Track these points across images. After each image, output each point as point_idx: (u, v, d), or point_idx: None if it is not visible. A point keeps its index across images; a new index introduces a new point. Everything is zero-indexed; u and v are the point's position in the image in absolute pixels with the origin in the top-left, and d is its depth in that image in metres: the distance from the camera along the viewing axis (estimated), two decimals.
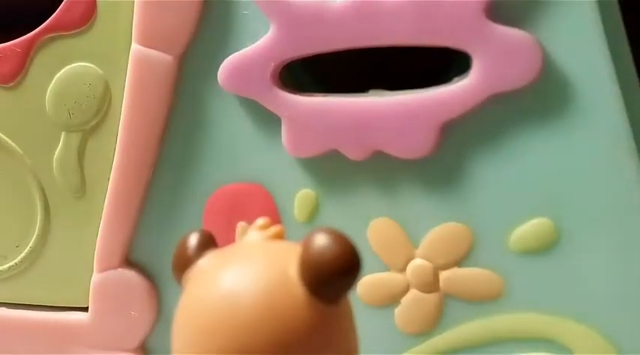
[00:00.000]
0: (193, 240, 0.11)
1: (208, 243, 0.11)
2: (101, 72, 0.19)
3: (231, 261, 0.11)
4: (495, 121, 0.15)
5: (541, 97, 0.15)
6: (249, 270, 0.10)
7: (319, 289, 0.10)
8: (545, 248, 0.16)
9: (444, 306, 0.17)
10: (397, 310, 0.17)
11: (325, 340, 0.10)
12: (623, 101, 0.15)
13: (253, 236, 0.12)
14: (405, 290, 0.17)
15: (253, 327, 0.10)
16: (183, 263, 0.11)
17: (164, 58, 0.18)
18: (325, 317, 0.10)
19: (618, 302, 0.15)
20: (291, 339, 0.10)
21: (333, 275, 0.10)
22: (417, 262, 0.17)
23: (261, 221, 0.12)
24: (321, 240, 0.10)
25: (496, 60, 0.15)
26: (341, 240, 0.10)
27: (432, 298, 0.17)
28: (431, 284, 0.16)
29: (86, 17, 0.19)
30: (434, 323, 0.17)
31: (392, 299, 0.17)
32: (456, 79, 0.15)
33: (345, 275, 0.10)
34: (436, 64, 0.16)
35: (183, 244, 0.11)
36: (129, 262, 0.20)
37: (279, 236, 0.11)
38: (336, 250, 0.10)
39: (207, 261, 0.11)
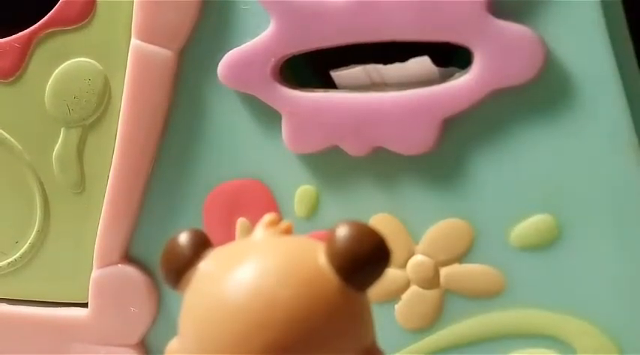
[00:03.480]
0: (187, 241, 0.11)
1: (204, 243, 0.11)
2: (100, 67, 0.19)
3: (247, 258, 0.10)
4: (497, 117, 0.15)
5: (543, 93, 0.15)
6: (277, 265, 0.10)
7: (354, 277, 0.10)
8: (546, 244, 0.15)
9: (445, 302, 0.16)
10: (397, 306, 0.17)
11: (359, 326, 0.10)
12: (625, 97, 0.15)
13: (261, 233, 0.11)
14: (406, 287, 0.17)
15: (295, 320, 0.10)
16: (178, 266, 0.11)
17: (164, 54, 0.18)
18: (357, 304, 0.10)
19: (619, 298, 0.15)
20: (331, 327, 0.10)
21: (369, 262, 0.10)
22: (418, 258, 0.16)
23: (268, 217, 0.11)
24: (353, 230, 0.10)
25: (497, 55, 0.15)
26: (371, 229, 0.10)
27: (432, 294, 0.17)
28: (431, 281, 0.16)
29: (85, 12, 0.19)
30: (434, 319, 0.17)
31: (392, 295, 0.17)
32: (456, 74, 0.15)
33: (379, 262, 0.10)
34: (437, 60, 0.16)
35: (175, 246, 0.11)
36: (129, 258, 0.19)
37: (289, 231, 0.11)
38: (370, 238, 0.10)
39: (213, 262, 0.11)
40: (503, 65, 0.15)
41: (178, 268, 0.11)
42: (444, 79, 0.15)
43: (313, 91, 0.17)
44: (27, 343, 0.21)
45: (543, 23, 0.15)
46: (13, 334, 0.21)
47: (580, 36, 0.14)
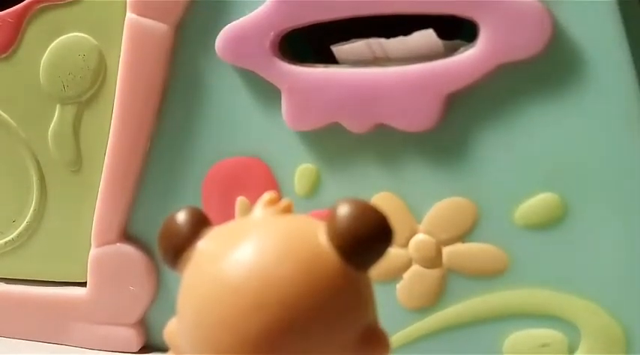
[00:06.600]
0: (185, 219, 0.11)
1: (203, 221, 0.11)
2: (95, 42, 0.18)
3: (246, 237, 0.10)
4: (502, 92, 0.15)
5: (550, 67, 0.15)
6: (276, 244, 0.10)
7: (355, 256, 0.10)
8: (551, 223, 0.15)
9: (447, 282, 0.16)
10: (399, 285, 0.17)
11: (360, 306, 0.10)
12: (635, 72, 0.14)
13: (260, 211, 0.11)
14: (408, 266, 0.17)
15: (293, 300, 0.09)
16: (176, 245, 0.11)
17: (160, 28, 0.17)
18: (358, 284, 0.10)
19: (624, 278, 0.15)
20: (331, 307, 0.10)
21: (370, 241, 0.10)
22: (420, 237, 0.16)
23: (268, 195, 0.11)
24: (355, 208, 0.10)
25: (504, 28, 0.14)
26: (372, 207, 0.10)
27: (434, 273, 0.16)
28: (433, 260, 0.16)
29: None
30: (436, 298, 0.16)
31: (394, 275, 0.17)
32: (462, 48, 0.15)
33: (381, 241, 0.10)
34: (442, 33, 0.15)
35: (173, 225, 0.11)
36: (127, 236, 0.19)
37: (289, 210, 0.11)
38: (372, 216, 0.10)
39: (212, 241, 0.11)
40: (510, 38, 0.14)
41: (176, 247, 0.11)
42: (448, 52, 0.15)
43: (314, 66, 0.16)
44: (25, 322, 0.21)
45: None
46: (11, 313, 0.21)
47: (589, 8, 0.14)
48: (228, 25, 0.17)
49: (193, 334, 0.10)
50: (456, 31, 0.16)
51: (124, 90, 0.18)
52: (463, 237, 0.16)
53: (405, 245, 0.17)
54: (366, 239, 0.10)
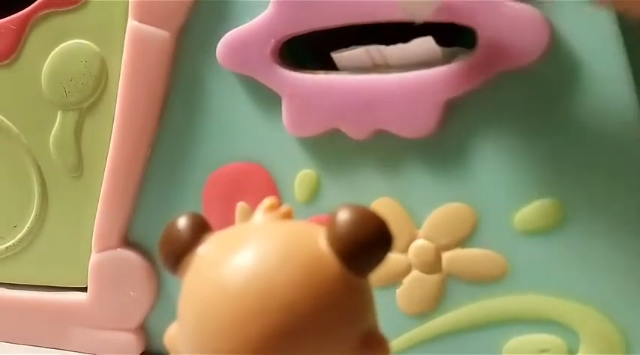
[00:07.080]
0: (186, 225, 0.11)
1: (203, 227, 0.11)
2: (97, 49, 0.19)
3: (246, 243, 0.10)
4: (501, 99, 0.15)
5: (548, 74, 0.15)
6: (277, 249, 0.10)
7: (355, 261, 0.10)
8: (550, 228, 0.15)
9: (447, 287, 0.16)
10: (399, 291, 0.17)
11: (360, 311, 0.10)
12: (632, 78, 0.14)
13: (260, 217, 0.11)
14: (407, 271, 0.17)
15: (293, 305, 0.09)
16: (177, 250, 0.11)
17: (161, 34, 0.17)
18: (359, 289, 0.10)
19: (623, 283, 0.15)
20: (331, 313, 0.10)
21: (370, 247, 0.10)
22: (419, 243, 0.16)
23: (268, 201, 0.11)
24: (354, 214, 0.10)
25: (502, 36, 0.14)
26: (372, 213, 0.10)
27: (433, 279, 0.16)
28: (433, 265, 0.16)
29: None
30: (436, 304, 0.17)
31: (393, 280, 0.17)
32: (460, 55, 0.15)
33: (381, 247, 0.10)
34: (440, 41, 0.15)
35: (174, 230, 0.11)
36: (127, 242, 0.19)
37: (289, 215, 0.11)
38: (371, 222, 0.10)
39: (213, 247, 0.11)
40: (509, 46, 0.14)
41: (177, 252, 0.11)
42: (447, 59, 0.15)
43: (314, 73, 0.16)
44: (26, 327, 0.21)
45: (549, 2, 0.14)
46: (12, 318, 0.21)
47: (586, 15, 0.14)
48: (229, 32, 0.17)
49: (194, 339, 0.10)
50: (455, 38, 0.16)
51: (125, 97, 0.18)
52: (462, 242, 0.16)
53: (405, 250, 0.17)
54: (365, 244, 0.10)
